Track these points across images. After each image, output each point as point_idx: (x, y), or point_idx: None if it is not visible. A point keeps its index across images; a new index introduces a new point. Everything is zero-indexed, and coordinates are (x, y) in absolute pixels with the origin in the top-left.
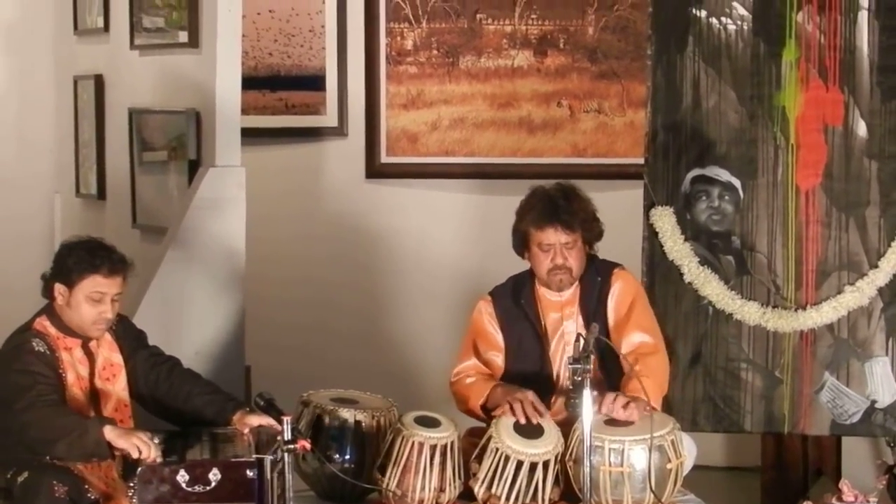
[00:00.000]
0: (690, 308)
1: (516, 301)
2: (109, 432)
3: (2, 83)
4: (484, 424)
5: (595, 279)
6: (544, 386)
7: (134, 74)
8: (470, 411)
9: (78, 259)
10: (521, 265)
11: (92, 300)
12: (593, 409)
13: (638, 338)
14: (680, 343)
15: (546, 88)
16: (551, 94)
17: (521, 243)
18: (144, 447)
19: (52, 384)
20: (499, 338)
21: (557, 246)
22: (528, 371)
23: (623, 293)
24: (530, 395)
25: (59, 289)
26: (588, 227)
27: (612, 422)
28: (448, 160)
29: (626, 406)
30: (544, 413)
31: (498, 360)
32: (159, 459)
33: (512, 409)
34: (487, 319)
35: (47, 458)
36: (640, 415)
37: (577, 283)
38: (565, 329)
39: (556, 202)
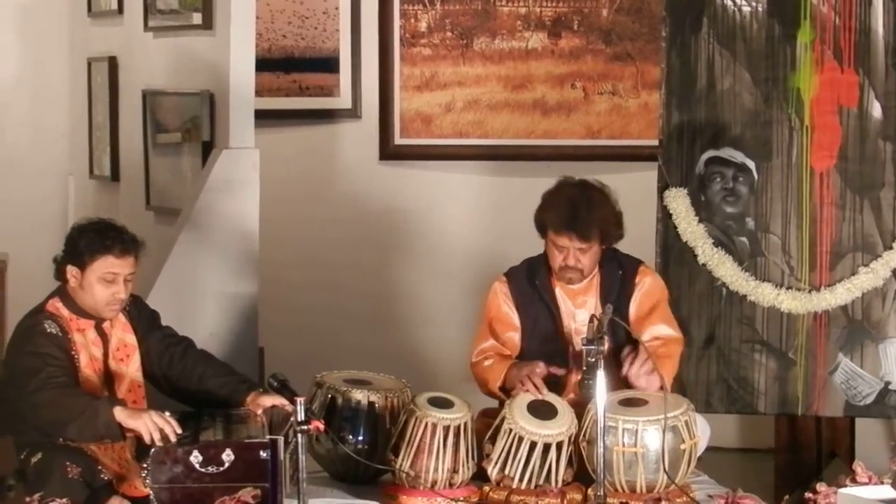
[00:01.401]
0: (704, 289)
1: (531, 282)
2: (120, 413)
3: (16, 66)
4: (498, 405)
5: (616, 272)
6: (559, 365)
7: (148, 56)
8: (491, 393)
9: (89, 240)
10: (534, 247)
11: (104, 281)
12: (609, 395)
13: (662, 328)
14: (694, 324)
15: (560, 70)
16: (565, 75)
17: (540, 230)
18: (162, 424)
19: (62, 366)
20: (514, 318)
21: (571, 250)
22: (544, 351)
23: (652, 289)
24: (538, 366)
25: (71, 271)
26: (606, 233)
27: (625, 402)
28: (462, 142)
29: (651, 372)
30: (557, 373)
31: (515, 339)
32: (174, 437)
33: (523, 387)
34: (503, 300)
35: (60, 440)
36: (656, 386)
37: (595, 272)
38: (577, 316)
39: (576, 208)
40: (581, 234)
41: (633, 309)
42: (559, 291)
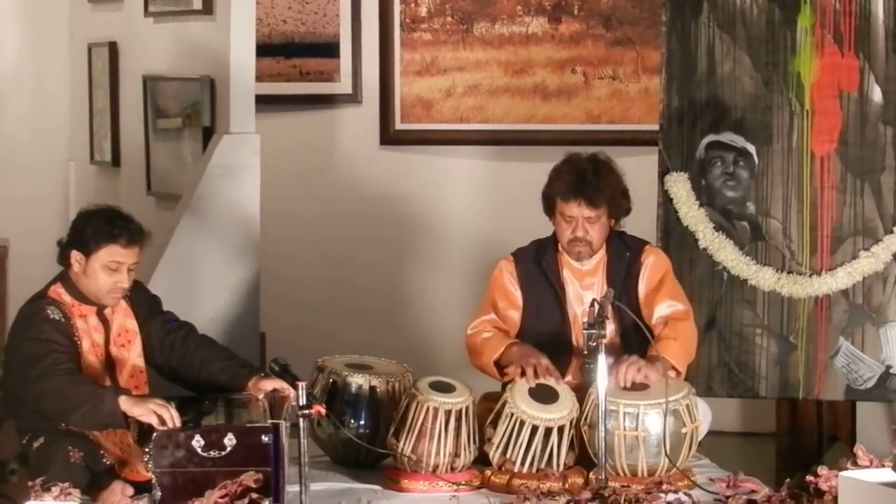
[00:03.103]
0: (705, 274)
1: (538, 263)
2: (125, 402)
3: (17, 51)
4: (498, 388)
5: (623, 254)
6: (561, 349)
7: (148, 41)
8: (483, 366)
9: (96, 228)
10: (536, 232)
11: (109, 269)
12: (610, 379)
13: (669, 305)
14: (695, 309)
15: (560, 55)
16: (566, 60)
17: (548, 207)
18: (164, 411)
19: (66, 352)
20: (518, 296)
21: (580, 219)
22: (546, 333)
23: (656, 266)
24: (544, 360)
25: (75, 256)
26: (615, 203)
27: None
28: (462, 127)
29: (639, 369)
30: (557, 380)
31: (515, 317)
32: (178, 422)
33: (524, 371)
34: (508, 278)
35: (63, 425)
36: (656, 375)
37: (601, 254)
38: (584, 298)
39: (584, 176)
40: (590, 199)
41: (643, 287)
42: (566, 273)
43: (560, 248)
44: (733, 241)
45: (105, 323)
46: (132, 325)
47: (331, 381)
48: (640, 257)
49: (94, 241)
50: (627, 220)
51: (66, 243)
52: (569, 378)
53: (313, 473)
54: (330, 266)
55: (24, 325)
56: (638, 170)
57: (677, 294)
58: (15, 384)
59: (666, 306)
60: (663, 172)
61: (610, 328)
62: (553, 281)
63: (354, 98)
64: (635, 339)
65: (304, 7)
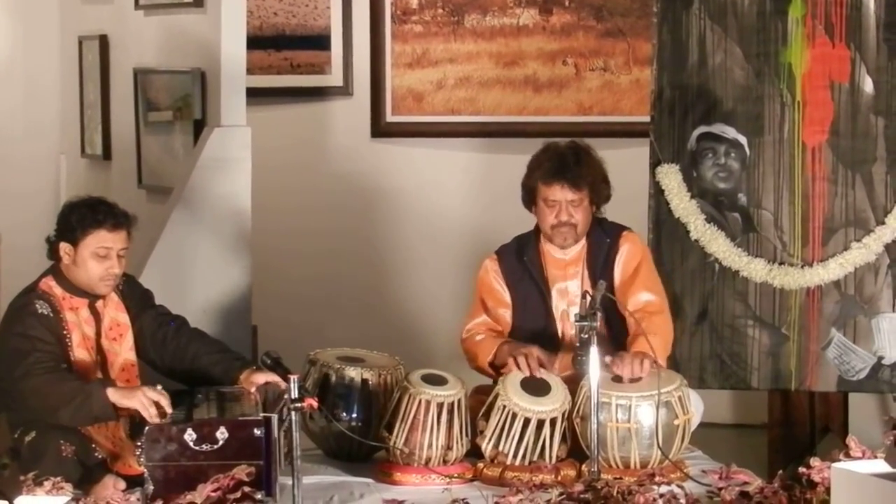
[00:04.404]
0: (697, 265)
1: (520, 259)
2: (113, 394)
3: (7, 44)
4: (491, 382)
5: (603, 240)
6: (549, 343)
7: (139, 34)
8: (480, 368)
9: (80, 216)
10: (527, 223)
11: (98, 256)
12: (606, 371)
13: (644, 297)
14: (686, 300)
15: (551, 47)
16: (557, 52)
17: (529, 197)
18: (157, 396)
19: (51, 351)
20: (506, 294)
21: (563, 203)
22: (534, 328)
23: (630, 255)
24: (535, 350)
25: (64, 248)
26: (596, 188)
27: (619, 378)
28: (453, 119)
29: (641, 362)
30: (549, 367)
31: (507, 316)
32: (170, 409)
33: (517, 362)
34: (493, 277)
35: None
36: (647, 371)
37: (583, 242)
38: (568, 288)
39: (566, 160)
40: (573, 182)
41: (618, 275)
42: (549, 265)
43: (542, 241)
44: (725, 233)
45: (96, 316)
46: (124, 318)
47: (323, 373)
48: (617, 243)
49: (80, 229)
50: (619, 213)
51: (53, 237)
52: (558, 371)
53: (306, 467)
54: (321, 259)
55: (11, 319)
56: (629, 161)
57: (653, 285)
58: (2, 379)
59: (641, 297)
60: (654, 164)
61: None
62: (536, 275)
63: (345, 90)
64: (619, 331)
65: (295, 0)
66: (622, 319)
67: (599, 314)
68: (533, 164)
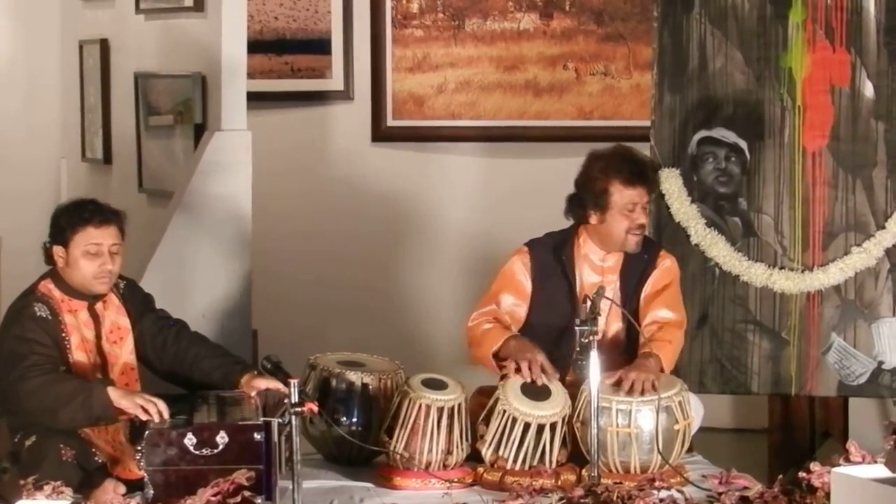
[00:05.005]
0: (697, 270)
1: (557, 256)
2: (113, 393)
3: (8, 48)
4: (493, 382)
5: (641, 255)
6: (568, 344)
7: (139, 38)
8: (482, 358)
9: (68, 217)
10: (527, 226)
11: (89, 254)
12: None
13: (663, 314)
14: (687, 305)
15: (552, 51)
16: (557, 56)
17: (597, 202)
18: (150, 406)
19: (48, 354)
20: (527, 288)
21: (641, 205)
22: (555, 326)
23: (668, 272)
24: (540, 357)
25: (57, 251)
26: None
27: (619, 383)
28: (454, 123)
29: (651, 384)
30: (551, 378)
31: (520, 310)
32: (167, 415)
33: (519, 367)
34: (520, 268)
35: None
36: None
37: (620, 253)
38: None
39: (639, 163)
40: (651, 185)
41: (648, 286)
42: (585, 266)
43: (580, 242)
44: (725, 237)
45: (96, 319)
46: (124, 322)
47: (323, 378)
48: (656, 260)
49: (69, 230)
50: None
51: (48, 243)
52: (571, 373)
53: (306, 471)
54: (322, 263)
55: (10, 321)
56: None
57: (677, 304)
58: (1, 382)
59: (663, 311)
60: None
61: (617, 326)
62: (569, 275)
63: (346, 95)
64: (633, 338)
65: (296, 4)
66: (633, 327)
67: (613, 320)
68: (602, 168)
